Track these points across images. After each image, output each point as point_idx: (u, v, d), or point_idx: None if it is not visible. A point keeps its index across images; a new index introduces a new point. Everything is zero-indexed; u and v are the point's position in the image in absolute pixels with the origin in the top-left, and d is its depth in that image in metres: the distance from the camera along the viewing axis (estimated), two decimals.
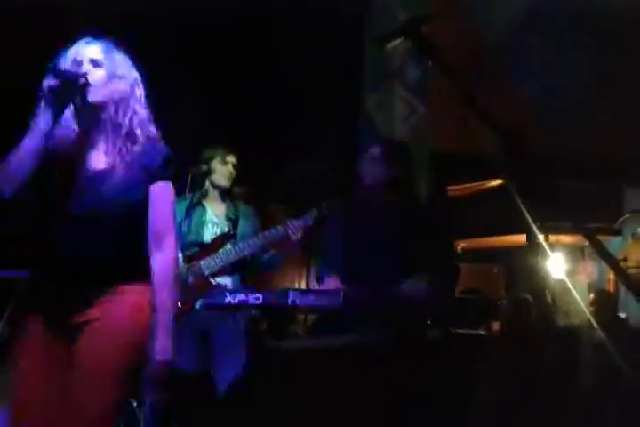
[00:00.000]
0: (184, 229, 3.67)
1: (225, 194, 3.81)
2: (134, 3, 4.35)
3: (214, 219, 3.77)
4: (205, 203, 3.79)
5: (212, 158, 3.78)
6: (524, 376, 3.86)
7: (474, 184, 5.17)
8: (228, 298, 2.89)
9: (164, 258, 2.25)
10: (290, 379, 2.51)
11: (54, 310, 2.21)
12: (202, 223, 3.73)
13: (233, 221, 3.74)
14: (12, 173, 2.15)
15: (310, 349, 2.65)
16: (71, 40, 2.27)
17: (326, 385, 2.46)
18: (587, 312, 4.07)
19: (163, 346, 2.19)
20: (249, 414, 2.55)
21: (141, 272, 2.25)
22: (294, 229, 3.62)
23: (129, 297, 2.22)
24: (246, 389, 2.73)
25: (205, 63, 4.81)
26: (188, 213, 3.71)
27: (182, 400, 3.43)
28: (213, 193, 3.80)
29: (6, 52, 4.11)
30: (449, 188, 5.06)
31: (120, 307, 2.20)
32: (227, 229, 3.73)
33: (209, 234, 3.72)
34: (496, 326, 4.45)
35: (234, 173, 3.77)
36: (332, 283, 3.06)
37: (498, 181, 5.05)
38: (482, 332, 4.52)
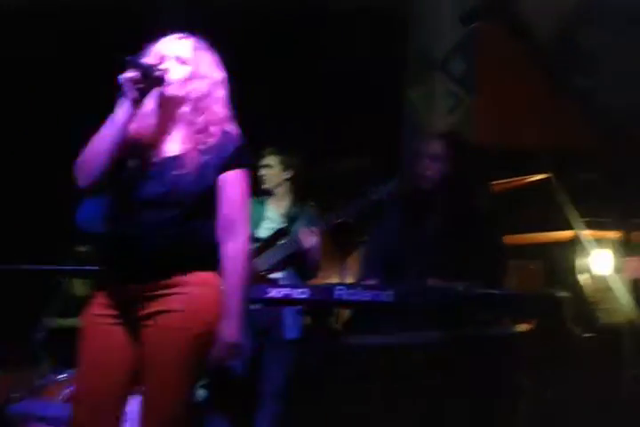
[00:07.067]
0: None
1: (287, 194, 3.91)
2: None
3: (273, 216, 3.87)
4: (268, 201, 3.91)
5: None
6: (564, 376, 3.81)
7: (514, 179, 5.09)
8: (272, 292, 2.87)
9: (235, 245, 2.22)
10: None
11: (119, 302, 2.19)
12: (259, 220, 3.82)
13: (292, 218, 3.81)
14: (89, 165, 2.15)
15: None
16: (157, 36, 2.29)
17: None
18: (630, 310, 4.01)
19: (232, 329, 2.18)
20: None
21: (210, 261, 2.22)
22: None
23: (196, 287, 2.19)
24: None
25: (247, 61, 4.80)
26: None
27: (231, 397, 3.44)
28: (274, 193, 3.90)
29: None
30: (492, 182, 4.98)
31: (186, 297, 2.17)
32: (281, 226, 3.81)
33: (264, 230, 3.81)
34: (525, 324, 4.36)
35: (264, 174, 3.85)
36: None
37: (540, 176, 4.96)
38: (512, 330, 4.42)
